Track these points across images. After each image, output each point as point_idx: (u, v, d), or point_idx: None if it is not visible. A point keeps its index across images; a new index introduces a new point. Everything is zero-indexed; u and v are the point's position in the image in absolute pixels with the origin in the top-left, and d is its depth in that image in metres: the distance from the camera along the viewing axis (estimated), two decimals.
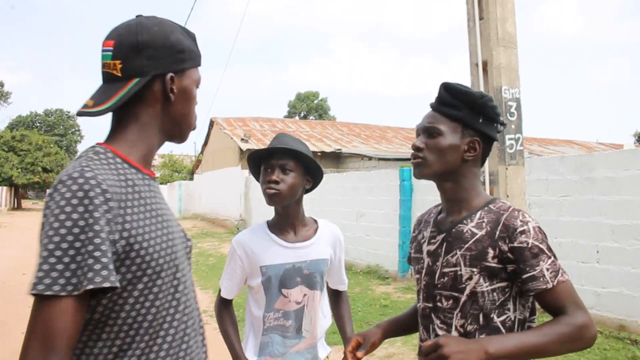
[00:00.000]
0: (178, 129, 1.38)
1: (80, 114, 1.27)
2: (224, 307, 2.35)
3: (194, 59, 1.37)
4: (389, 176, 10.27)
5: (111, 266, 1.10)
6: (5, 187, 38.79)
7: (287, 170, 2.19)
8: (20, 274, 9.94)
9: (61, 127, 66.57)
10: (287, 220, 2.28)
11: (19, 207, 43.31)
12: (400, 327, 1.98)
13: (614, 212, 5.94)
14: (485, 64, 3.80)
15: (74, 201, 1.09)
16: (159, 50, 1.28)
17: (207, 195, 25.88)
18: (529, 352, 1.48)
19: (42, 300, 1.06)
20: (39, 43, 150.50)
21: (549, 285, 1.52)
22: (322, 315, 2.37)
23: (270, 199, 2.19)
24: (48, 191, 1.14)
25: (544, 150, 22.45)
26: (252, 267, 2.23)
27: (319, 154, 19.49)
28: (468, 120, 1.68)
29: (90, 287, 1.06)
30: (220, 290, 2.33)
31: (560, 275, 1.53)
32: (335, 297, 2.53)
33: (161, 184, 36.60)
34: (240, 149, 20.06)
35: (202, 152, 28.53)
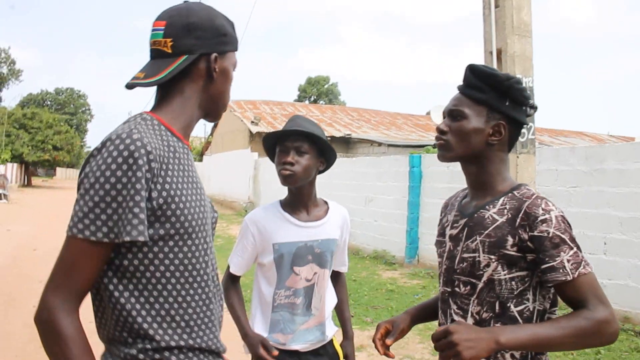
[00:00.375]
0: (215, 106, 1.50)
1: (130, 85, 1.39)
2: (231, 283, 2.38)
3: (234, 43, 1.50)
4: (398, 162, 10.29)
5: (146, 222, 1.23)
6: (16, 164, 39.01)
7: (302, 152, 2.22)
8: (31, 249, 10.07)
9: (71, 105, 66.88)
10: (301, 200, 2.32)
11: (29, 184, 43.66)
12: (428, 312, 1.94)
13: (623, 204, 5.95)
14: (499, 52, 3.81)
15: (120, 159, 1.20)
16: (207, 31, 1.41)
17: (216, 177, 25.97)
18: (543, 345, 1.45)
19: (79, 242, 1.20)
20: (51, 22, 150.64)
21: (569, 277, 1.46)
22: (329, 294, 2.42)
23: (285, 180, 2.23)
24: (96, 147, 1.25)
25: (555, 141, 22.34)
26: (264, 244, 2.27)
27: (329, 138, 19.34)
28: (493, 103, 1.63)
29: (127, 239, 1.20)
30: (228, 267, 2.37)
31: (582, 267, 1.47)
32: (335, 278, 2.56)
33: None
34: (250, 132, 20.10)
35: (211, 134, 28.60)
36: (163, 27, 1.40)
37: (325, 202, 2.42)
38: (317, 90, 58.17)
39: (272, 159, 2.38)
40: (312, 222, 2.31)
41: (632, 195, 5.85)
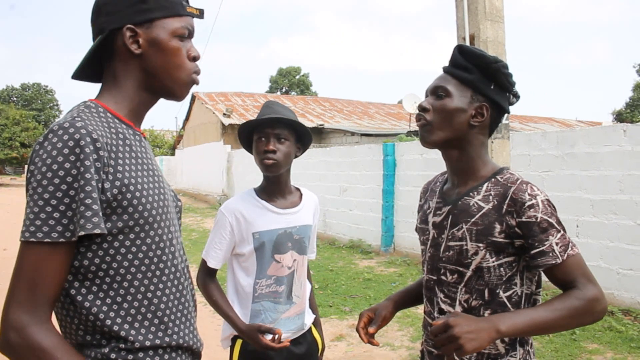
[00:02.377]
0: (162, 84, 1.34)
1: (72, 76, 1.34)
2: (208, 278, 2.31)
3: (167, 7, 1.31)
4: (372, 151, 10.30)
5: (101, 213, 1.13)
6: None
7: (282, 139, 2.19)
8: (1, 249, 9.85)
9: (39, 101, 65.46)
10: (278, 188, 2.29)
11: None
12: (411, 298, 1.93)
13: (594, 187, 6.05)
14: (472, 38, 3.82)
15: (65, 150, 1.10)
16: (116, 4, 1.28)
17: (188, 171, 25.74)
18: (541, 328, 1.46)
19: (35, 246, 1.09)
20: (15, 15, 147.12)
21: (559, 260, 1.47)
22: (307, 282, 2.41)
23: (268, 169, 2.20)
24: (38, 140, 1.15)
25: (525, 127, 22.65)
26: (242, 234, 2.22)
27: None
28: (478, 84, 1.61)
29: (82, 233, 1.09)
30: (204, 262, 2.29)
31: (570, 249, 1.49)
32: None
33: None
34: (222, 124, 19.93)
35: (183, 127, 28.29)
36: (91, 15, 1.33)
37: (298, 189, 2.41)
38: (289, 82, 57.97)
39: (247, 148, 2.34)
40: (289, 209, 2.29)
41: (603, 178, 5.94)
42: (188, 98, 25.06)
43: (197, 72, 1.38)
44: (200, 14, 1.40)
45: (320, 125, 20.29)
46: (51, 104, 66.79)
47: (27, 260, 1.10)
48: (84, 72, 1.36)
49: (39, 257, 1.09)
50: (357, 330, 1.81)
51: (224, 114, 20.49)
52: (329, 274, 8.06)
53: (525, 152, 6.85)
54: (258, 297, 2.24)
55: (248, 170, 15.20)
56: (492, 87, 1.61)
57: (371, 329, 1.78)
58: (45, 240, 1.08)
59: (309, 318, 2.40)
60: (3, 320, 1.09)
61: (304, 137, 2.30)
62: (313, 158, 12.21)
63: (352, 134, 18.42)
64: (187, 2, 1.38)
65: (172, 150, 32.88)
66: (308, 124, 20.10)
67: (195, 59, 1.38)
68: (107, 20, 1.27)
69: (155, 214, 1.24)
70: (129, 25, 1.27)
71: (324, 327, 2.45)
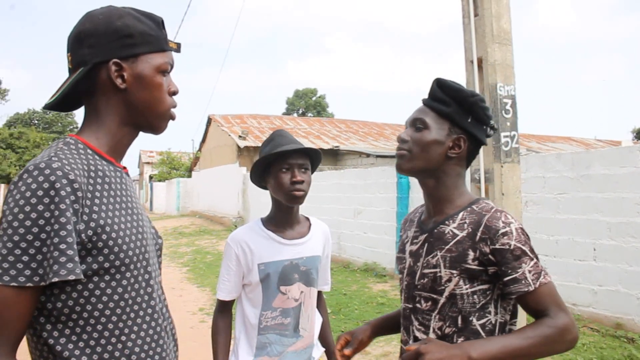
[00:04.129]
0: (144, 119, 1.33)
1: (45, 107, 1.31)
2: (219, 312, 2.27)
3: (151, 42, 1.31)
4: (386, 173, 10.24)
5: (77, 258, 1.09)
6: (3, 185, 38.75)
7: (305, 169, 2.20)
8: None
9: (59, 124, 66.40)
10: (289, 218, 2.26)
11: None
12: (390, 325, 1.95)
13: (611, 210, 5.91)
14: (480, 61, 3.76)
15: (40, 192, 1.07)
16: (101, 37, 1.26)
17: (205, 193, 25.84)
18: (513, 356, 1.46)
19: (2, 289, 1.05)
20: (37, 41, 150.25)
21: (531, 288, 1.49)
22: (316, 314, 2.35)
23: (297, 200, 2.18)
24: (13, 180, 1.12)
25: (542, 147, 22.43)
26: (248, 265, 2.19)
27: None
28: (456, 118, 1.65)
29: (56, 279, 1.06)
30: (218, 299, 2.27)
31: (542, 277, 1.51)
32: (318, 298, 2.45)
33: (159, 181, 36.56)
34: (238, 146, 20.01)
35: (200, 149, 28.48)
36: (68, 42, 1.30)
37: (307, 219, 2.36)
38: (305, 103, 58.25)
39: (257, 182, 2.33)
40: (296, 240, 2.24)
41: (620, 200, 5.81)
42: (204, 120, 25.26)
43: (174, 106, 1.39)
44: (178, 48, 1.40)
45: (336, 147, 20.29)
46: (71, 127, 67.76)
47: None
48: (57, 103, 1.32)
49: (3, 300, 1.05)
50: (333, 353, 1.87)
51: (240, 136, 20.58)
52: (342, 298, 7.96)
53: (540, 174, 6.74)
54: (264, 329, 2.18)
55: (263, 193, 15.15)
56: (469, 120, 1.66)
57: (347, 351, 1.83)
58: (11, 284, 1.05)
59: (317, 352, 2.33)
60: None
61: (314, 164, 2.31)
62: (327, 180, 12.17)
63: (368, 155, 18.39)
64: (166, 37, 1.37)
65: (189, 173, 33.05)
66: (323, 145, 20.13)
67: (174, 93, 1.38)
68: (91, 52, 1.25)
69: (131, 254, 1.21)
70: (115, 60, 1.25)
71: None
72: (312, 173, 2.31)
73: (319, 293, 2.46)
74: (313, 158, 2.26)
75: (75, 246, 1.09)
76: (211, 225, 21.66)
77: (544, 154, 7.25)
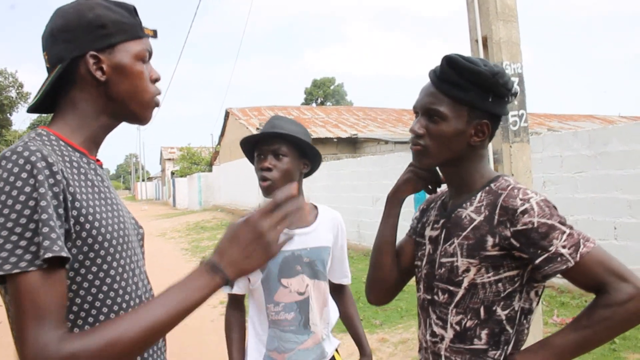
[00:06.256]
0: (127, 109, 1.30)
1: (27, 110, 1.29)
2: (230, 308, 2.19)
3: (127, 31, 1.27)
4: (403, 159, 10.15)
5: (63, 238, 1.05)
6: None
7: (280, 155, 2.06)
8: None
9: None
10: None
11: None
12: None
13: (631, 187, 5.78)
14: (485, 40, 3.67)
15: (24, 174, 1.04)
16: (75, 31, 1.22)
17: (226, 187, 25.95)
18: (574, 353, 1.32)
19: (14, 278, 1.01)
20: None
21: (570, 264, 1.31)
22: (330, 309, 2.23)
23: (266, 191, 2.05)
24: None
25: (564, 126, 22.04)
26: None
27: (335, 139, 19.37)
28: (476, 103, 1.47)
29: (49, 255, 1.00)
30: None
31: (582, 247, 1.32)
32: (339, 292, 2.34)
33: (181, 176, 36.84)
34: None
35: (219, 143, 28.60)
36: (43, 41, 1.27)
37: (315, 207, 2.23)
38: (324, 92, 58.07)
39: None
40: (298, 229, 2.10)
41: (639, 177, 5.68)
42: (222, 114, 25.38)
43: (158, 93, 1.35)
44: (154, 34, 1.36)
45: (354, 134, 20.19)
46: None
47: (14, 294, 1.01)
48: (40, 104, 1.30)
49: (23, 288, 1.00)
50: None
51: (257, 129, 20.61)
52: (361, 285, 7.91)
53: (557, 153, 6.61)
54: (271, 324, 2.10)
55: None
56: (490, 100, 1.48)
57: None
58: (14, 271, 0.99)
59: (330, 346, 2.19)
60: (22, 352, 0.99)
61: (309, 153, 2.14)
62: (344, 168, 12.13)
63: (386, 142, 18.25)
64: (141, 24, 1.34)
65: (209, 167, 33.23)
66: (341, 134, 20.03)
67: (156, 80, 1.35)
68: (66, 48, 1.22)
69: (115, 243, 1.19)
70: (92, 52, 1.23)
71: (348, 347, 2.30)
72: (311, 163, 2.17)
73: (342, 287, 2.35)
74: (300, 145, 2.10)
75: (57, 228, 1.04)
76: (233, 218, 21.75)
77: (560, 133, 7.11)
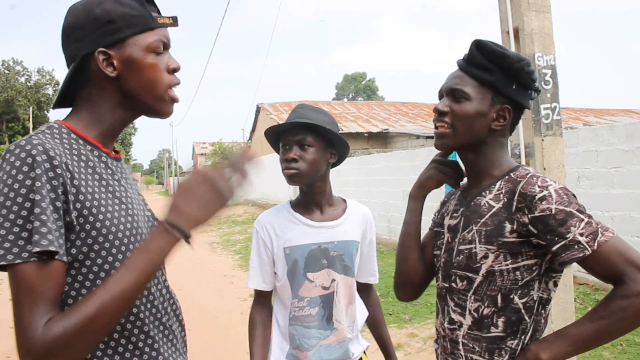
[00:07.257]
0: (142, 103, 1.29)
1: (52, 106, 1.33)
2: (255, 305, 2.15)
3: (136, 24, 1.25)
4: (432, 154, 9.98)
5: (56, 233, 1.06)
6: None
7: (305, 145, 2.00)
8: None
9: None
10: (312, 199, 2.09)
11: None
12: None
13: None
14: (516, 31, 3.59)
15: (25, 168, 1.06)
16: (84, 28, 1.23)
17: (257, 181, 26.00)
18: (589, 343, 1.32)
19: (11, 268, 1.03)
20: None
21: (587, 252, 1.29)
22: (357, 307, 2.16)
23: (290, 179, 2.00)
24: None
25: (600, 121, 21.55)
26: (274, 249, 2.06)
27: (366, 134, 19.31)
28: (500, 86, 1.49)
29: (37, 249, 1.02)
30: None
31: (600, 235, 1.30)
32: (365, 292, 2.26)
33: None
34: None
35: (250, 139, 28.78)
36: (61, 40, 1.29)
37: (344, 201, 2.18)
38: (355, 87, 57.99)
39: None
40: (326, 222, 2.06)
41: None
42: (253, 109, 25.48)
43: (177, 83, 1.33)
44: (174, 21, 1.33)
45: (385, 129, 20.08)
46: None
47: (12, 283, 1.04)
48: (62, 101, 1.33)
49: (21, 277, 1.03)
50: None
51: None
52: (392, 281, 7.87)
53: (592, 147, 6.45)
54: (293, 320, 2.05)
55: None
56: (513, 87, 1.50)
57: None
58: (17, 261, 1.02)
59: (356, 347, 2.12)
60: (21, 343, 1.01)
61: (336, 143, 2.08)
62: (375, 163, 12.07)
63: (418, 137, 18.11)
64: (159, 12, 1.32)
65: None
66: (372, 129, 19.96)
67: (175, 70, 1.32)
68: (78, 46, 1.24)
69: (121, 236, 1.19)
70: (100, 49, 1.23)
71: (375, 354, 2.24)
72: (340, 152, 2.11)
73: (369, 286, 2.29)
74: (326, 135, 2.04)
75: (53, 220, 1.06)
76: None
77: (595, 127, 6.94)
